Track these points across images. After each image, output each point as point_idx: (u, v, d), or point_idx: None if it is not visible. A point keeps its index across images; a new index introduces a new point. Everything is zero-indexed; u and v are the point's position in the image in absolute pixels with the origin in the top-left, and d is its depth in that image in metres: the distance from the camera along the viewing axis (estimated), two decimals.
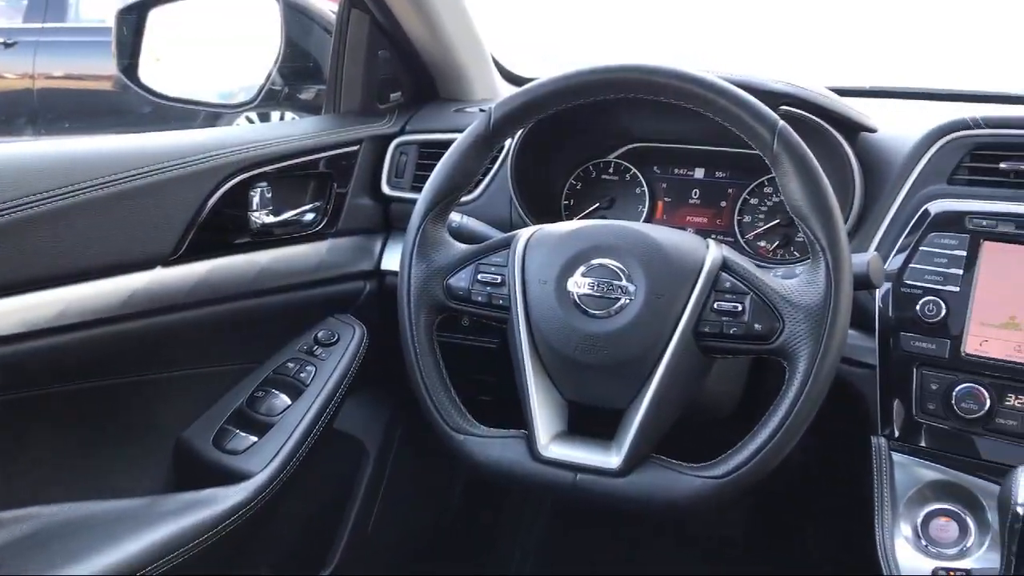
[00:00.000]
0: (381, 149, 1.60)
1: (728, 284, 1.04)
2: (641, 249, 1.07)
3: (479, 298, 1.12)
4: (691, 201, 1.53)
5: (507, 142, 1.49)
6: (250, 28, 1.73)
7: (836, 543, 1.67)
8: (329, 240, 1.51)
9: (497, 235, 1.21)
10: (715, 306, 1.03)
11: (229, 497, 1.25)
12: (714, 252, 1.07)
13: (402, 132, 1.61)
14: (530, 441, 1.07)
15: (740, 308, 1.02)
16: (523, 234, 1.15)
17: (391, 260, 1.56)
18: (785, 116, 1.27)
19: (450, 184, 1.14)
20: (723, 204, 1.50)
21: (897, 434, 1.21)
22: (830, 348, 0.97)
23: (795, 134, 1.01)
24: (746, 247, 1.47)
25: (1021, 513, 0.94)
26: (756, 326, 1.01)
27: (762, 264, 1.34)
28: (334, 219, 1.52)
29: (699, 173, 1.53)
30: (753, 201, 1.48)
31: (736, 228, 1.48)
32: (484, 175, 1.51)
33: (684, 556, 1.86)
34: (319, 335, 1.46)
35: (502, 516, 1.98)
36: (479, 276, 1.13)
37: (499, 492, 1.94)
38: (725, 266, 1.05)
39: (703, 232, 1.49)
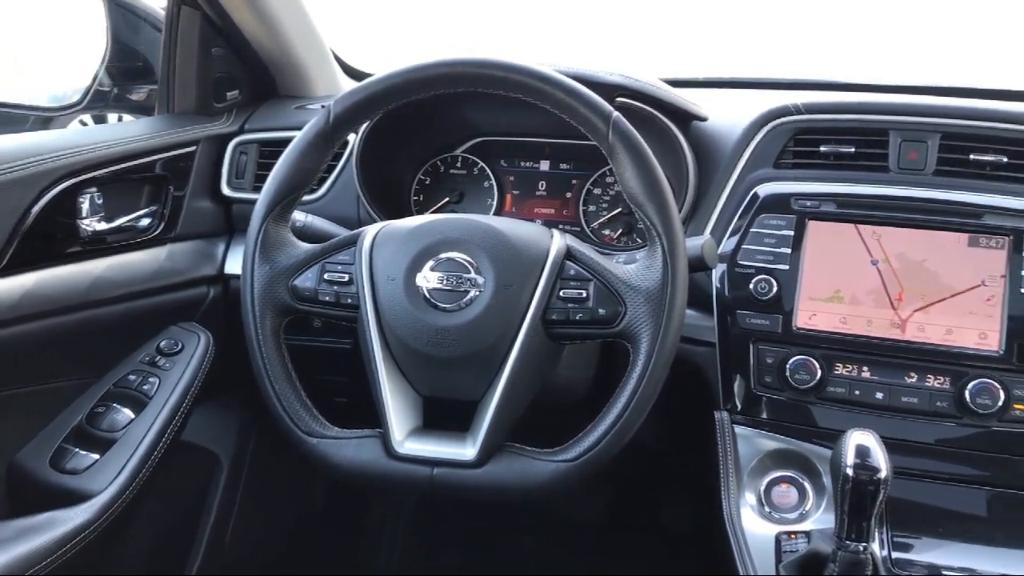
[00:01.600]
0: (219, 149, 1.55)
1: (573, 272, 1.06)
2: (488, 241, 1.08)
3: (326, 298, 1.10)
4: (538, 193, 1.55)
5: (351, 138, 1.47)
6: (74, 24, 1.64)
7: (690, 517, 1.74)
8: (168, 246, 1.45)
9: (344, 233, 1.19)
10: (561, 294, 1.05)
11: (70, 520, 1.18)
12: (558, 241, 1.08)
13: (241, 131, 1.57)
14: (385, 439, 1.06)
15: (585, 295, 1.04)
16: (369, 231, 1.14)
17: (235, 264, 1.52)
18: (620, 107, 1.31)
19: (290, 183, 1.11)
20: (568, 195, 1.53)
21: (739, 407, 1.27)
22: (670, 328, 1.01)
23: (629, 124, 1.04)
24: (592, 236, 1.50)
25: (850, 475, 0.99)
26: (600, 311, 1.03)
27: (606, 251, 1.37)
28: (172, 224, 1.46)
29: (545, 165, 1.56)
30: (596, 191, 1.51)
31: (582, 218, 1.52)
32: (328, 172, 1.49)
33: (548, 541, 1.89)
34: (162, 345, 1.40)
35: (367, 514, 1.95)
36: (325, 275, 1.11)
37: (362, 491, 1.92)
38: (569, 255, 1.07)
39: (551, 223, 1.52)
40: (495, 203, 1.55)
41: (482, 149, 1.57)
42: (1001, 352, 1.16)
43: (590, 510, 1.95)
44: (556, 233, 1.11)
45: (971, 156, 1.23)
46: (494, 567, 1.85)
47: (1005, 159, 1.22)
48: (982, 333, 1.17)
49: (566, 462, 1.02)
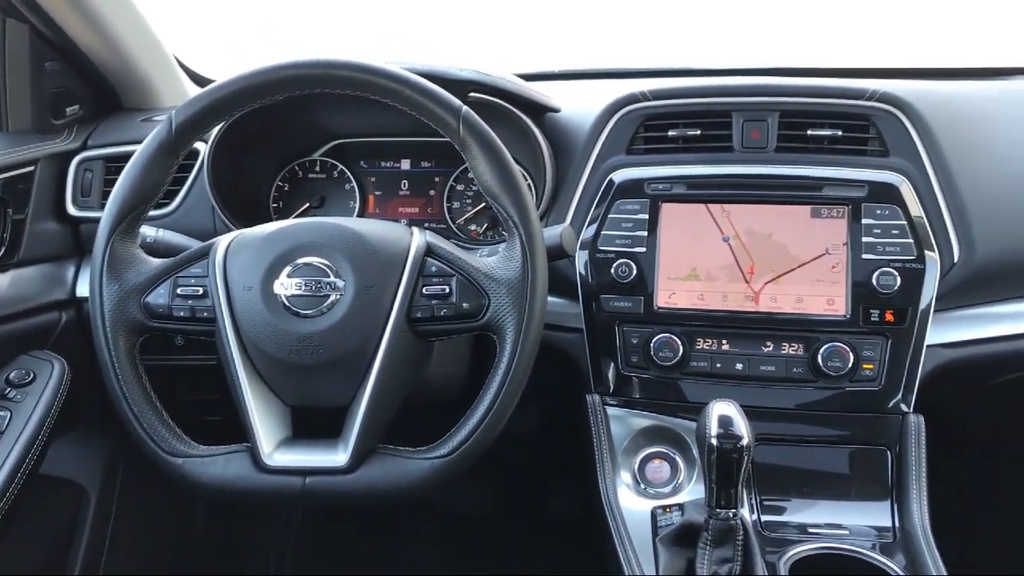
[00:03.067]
0: (62, 168, 1.48)
1: (434, 268, 1.06)
2: (346, 243, 1.06)
3: (181, 313, 1.07)
4: (401, 193, 1.54)
5: (201, 147, 1.43)
6: None
7: (576, 501, 1.77)
8: (11, 272, 1.38)
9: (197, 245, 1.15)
10: (424, 291, 1.05)
11: None
12: (418, 239, 1.08)
13: (84, 147, 1.50)
14: (253, 453, 1.03)
15: (448, 290, 1.04)
16: (222, 240, 1.10)
17: (86, 286, 1.45)
18: (474, 103, 1.32)
19: (135, 198, 1.07)
20: (432, 193, 1.53)
21: (610, 389, 1.30)
22: (533, 317, 1.02)
23: (479, 118, 1.05)
24: (458, 232, 1.50)
25: (715, 444, 1.03)
26: (464, 305, 1.04)
27: (470, 246, 1.38)
28: (13, 248, 1.38)
29: (406, 164, 1.55)
30: (460, 187, 1.52)
31: (447, 214, 1.52)
32: (180, 184, 1.44)
33: (440, 537, 1.89)
34: (11, 376, 1.32)
35: (253, 527, 1.91)
36: (179, 290, 1.07)
37: (244, 504, 1.87)
38: (430, 251, 1.07)
39: (416, 221, 1.52)
40: (357, 205, 1.53)
41: (341, 152, 1.55)
42: (848, 316, 1.22)
43: (481, 503, 1.96)
44: (416, 230, 1.10)
45: (808, 132, 1.29)
46: (386, 565, 1.83)
47: (840, 133, 1.29)
48: (829, 299, 1.23)
49: (440, 458, 1.02)
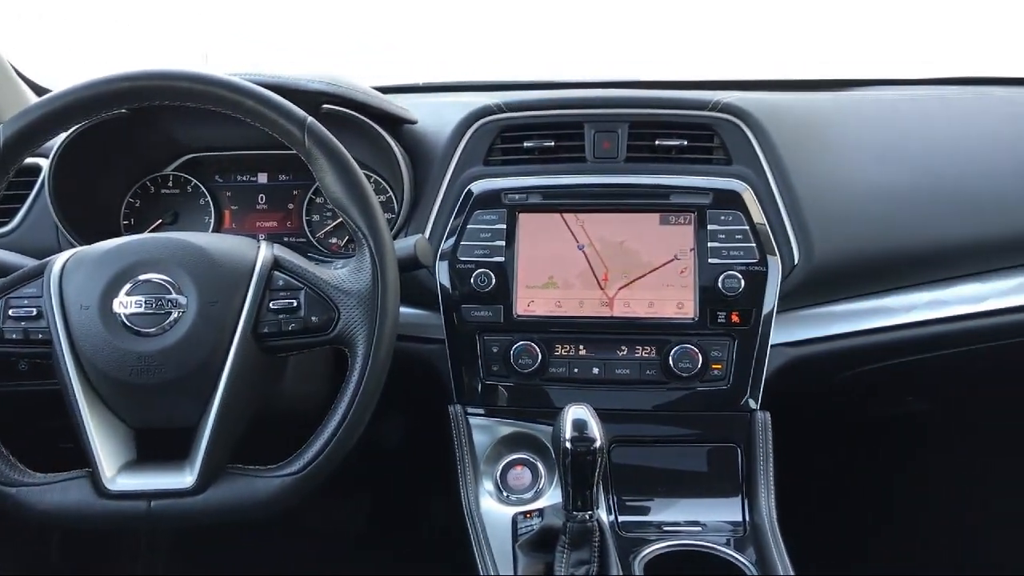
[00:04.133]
0: None
1: (281, 282, 1.04)
2: (187, 259, 1.04)
3: (13, 336, 1.02)
4: (258, 207, 1.51)
5: (43, 162, 1.37)
6: None
7: (446, 513, 1.76)
8: None
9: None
10: (271, 305, 1.03)
11: None
12: (265, 252, 1.06)
13: None
14: (94, 478, 0.99)
15: (296, 303, 1.03)
16: (59, 258, 1.06)
17: None
18: (327, 114, 1.31)
19: None
20: (290, 206, 1.51)
21: (471, 398, 1.30)
22: (384, 329, 1.02)
23: (324, 129, 1.04)
24: (318, 246, 1.49)
25: (569, 448, 1.05)
26: (313, 318, 1.03)
27: (327, 259, 1.37)
28: None
29: (263, 178, 1.52)
30: (319, 200, 1.50)
31: (306, 228, 1.50)
32: (21, 202, 1.38)
33: (309, 557, 1.85)
34: None
35: (113, 556, 1.82)
36: (10, 311, 1.02)
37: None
38: (277, 264, 1.05)
39: (275, 236, 1.49)
40: (212, 221, 1.50)
41: (194, 166, 1.51)
42: (696, 319, 1.26)
43: (354, 521, 1.93)
44: (263, 244, 1.09)
45: (657, 142, 1.33)
46: None
47: (686, 142, 1.33)
48: (679, 303, 1.27)
49: (291, 475, 1.00)
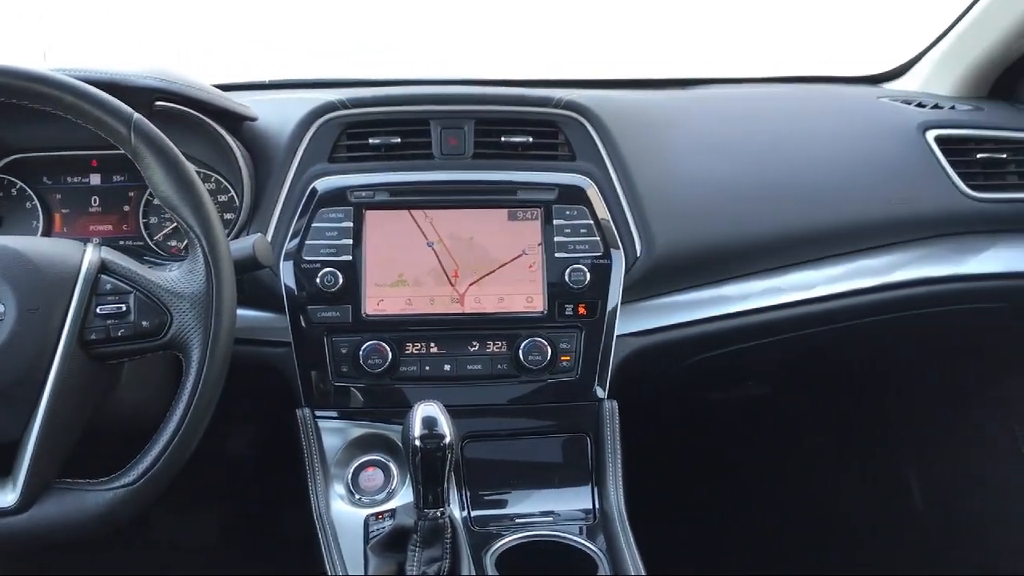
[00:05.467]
0: None
1: (109, 286, 0.99)
2: (4, 264, 0.97)
3: None
4: (92, 209, 1.44)
5: None
6: None
7: (302, 520, 1.72)
8: None
9: None
10: (99, 310, 0.98)
11: None
12: (91, 255, 1.01)
13: None
14: None
15: (125, 308, 0.98)
16: None
17: None
18: (160, 112, 1.26)
19: None
20: (126, 208, 1.44)
21: (321, 401, 1.27)
22: (220, 332, 0.98)
23: (152, 126, 1.00)
24: (157, 249, 1.42)
25: (418, 445, 1.04)
26: (144, 323, 0.98)
27: (162, 262, 1.31)
28: None
29: (96, 179, 1.44)
30: (156, 202, 1.43)
31: (143, 231, 1.43)
32: None
33: (156, 571, 1.77)
34: None
35: None
36: None
37: None
38: (104, 268, 1.00)
39: (111, 240, 1.42)
40: (41, 225, 1.41)
41: (19, 167, 1.42)
42: (545, 312, 1.28)
43: (207, 534, 1.86)
44: (89, 247, 1.03)
45: (503, 138, 1.34)
46: None
47: (531, 139, 1.35)
48: (528, 297, 1.29)
49: (124, 487, 0.96)
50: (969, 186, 1.47)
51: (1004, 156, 1.51)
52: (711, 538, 1.83)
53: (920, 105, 1.59)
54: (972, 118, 1.56)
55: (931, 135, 1.50)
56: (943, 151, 1.48)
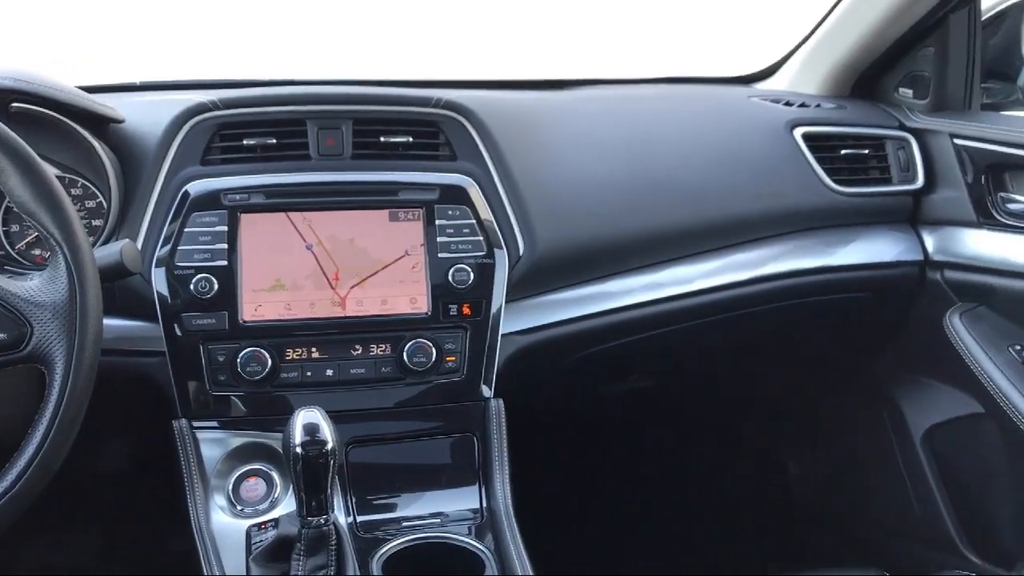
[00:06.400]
0: None
1: None
2: None
3: None
4: None
5: None
6: None
7: (183, 535, 1.67)
8: None
9: None
10: None
11: None
12: None
13: None
14: None
15: None
16: None
17: None
18: (17, 113, 1.20)
19: None
20: None
21: (199, 411, 1.24)
22: (86, 343, 0.94)
23: (5, 128, 0.95)
24: (19, 258, 1.35)
25: (300, 453, 1.02)
26: (1, 336, 0.93)
27: (20, 271, 1.25)
28: None
29: None
30: (16, 209, 1.36)
31: (4, 239, 1.35)
32: None
33: None
34: None
35: None
36: None
37: None
38: None
39: None
40: None
41: None
42: (429, 313, 1.27)
43: (84, 555, 1.78)
44: None
45: (382, 138, 1.33)
46: None
47: (411, 139, 1.34)
48: (412, 298, 1.28)
49: None
50: (834, 181, 1.53)
51: (866, 152, 1.59)
52: (598, 533, 1.85)
53: (788, 104, 1.66)
54: (836, 116, 1.63)
55: (798, 133, 1.56)
56: (810, 148, 1.54)
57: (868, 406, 1.81)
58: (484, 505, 1.25)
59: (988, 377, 1.43)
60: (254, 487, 1.22)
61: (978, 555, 1.64)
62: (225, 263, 1.23)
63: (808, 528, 1.96)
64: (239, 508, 1.20)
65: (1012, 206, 1.48)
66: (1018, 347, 1.45)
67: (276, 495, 1.21)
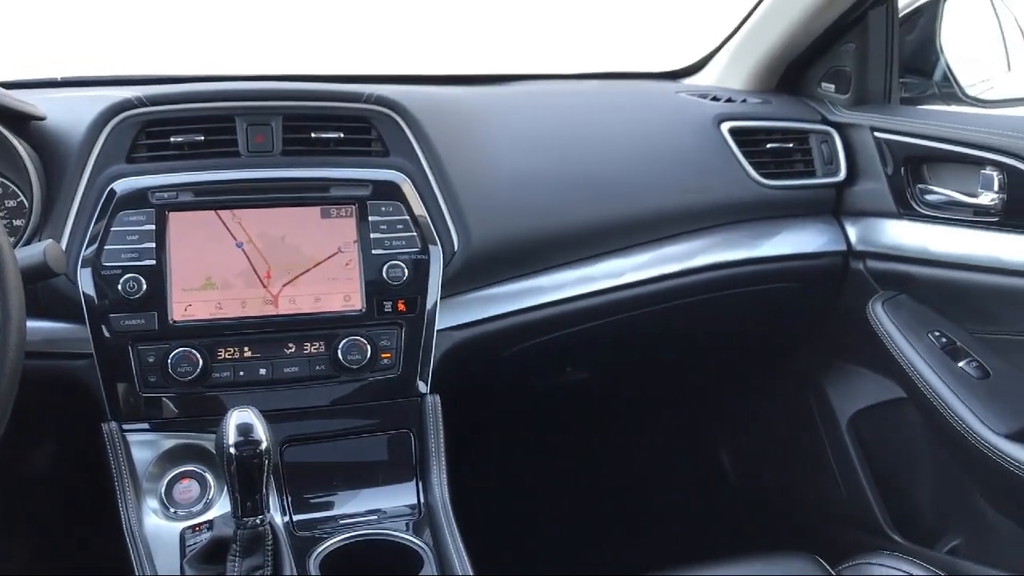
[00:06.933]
0: None
1: None
2: None
3: None
4: None
5: None
6: None
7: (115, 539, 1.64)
8: None
9: None
10: None
11: None
12: None
13: None
14: None
15: None
16: None
17: None
18: None
19: None
20: None
21: (129, 414, 1.21)
22: (7, 347, 0.91)
23: None
24: None
25: (234, 453, 1.01)
26: None
27: None
28: None
29: None
30: None
31: None
32: None
33: None
34: None
35: None
36: None
37: None
38: None
39: None
40: None
41: None
42: (364, 310, 1.27)
43: (10, 564, 1.73)
44: None
45: (312, 134, 1.32)
46: None
47: (342, 135, 1.33)
48: (346, 296, 1.27)
49: None
50: (760, 174, 1.57)
51: (790, 145, 1.63)
52: (535, 524, 1.87)
53: (715, 99, 1.69)
54: (762, 110, 1.67)
55: (725, 127, 1.59)
56: (736, 142, 1.58)
57: (796, 393, 1.86)
58: (421, 501, 1.25)
59: (909, 363, 1.48)
60: (187, 489, 1.20)
61: (902, 535, 1.70)
62: (153, 262, 1.21)
63: (742, 514, 2.01)
64: (172, 510, 1.19)
65: (930, 197, 1.53)
66: (937, 333, 1.50)
67: (210, 496, 1.20)
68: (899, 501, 1.72)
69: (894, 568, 1.21)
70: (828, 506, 1.83)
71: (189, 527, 1.16)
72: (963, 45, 1.70)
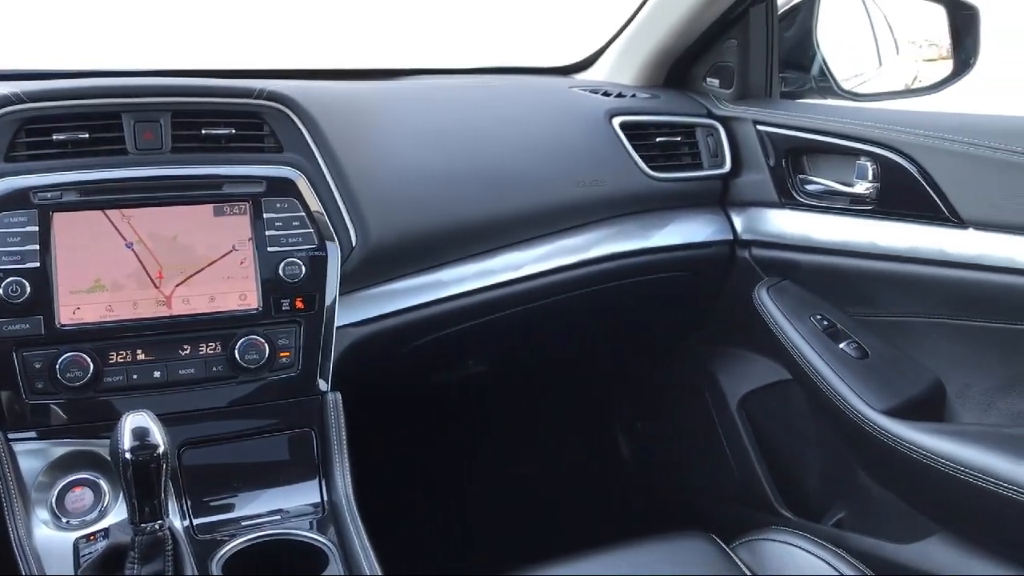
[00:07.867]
0: None
1: None
2: None
3: None
4: None
5: None
6: None
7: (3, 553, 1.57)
8: None
9: None
10: None
11: None
12: None
13: None
14: None
15: None
16: None
17: None
18: None
19: None
20: None
21: (14, 422, 1.17)
22: None
23: None
24: None
25: (130, 458, 0.99)
26: None
27: None
28: None
29: None
30: None
31: None
32: None
33: None
34: None
35: None
36: None
37: None
38: None
39: None
40: None
41: None
42: (260, 309, 1.25)
43: None
44: None
45: (203, 131, 1.29)
46: None
47: (234, 131, 1.31)
48: (242, 294, 1.25)
49: None
50: (650, 167, 1.62)
51: (678, 139, 1.68)
52: (440, 518, 1.88)
53: (607, 94, 1.73)
54: (650, 105, 1.72)
55: (616, 122, 1.63)
56: (627, 136, 1.62)
57: (689, 378, 1.92)
58: (325, 499, 1.25)
59: (793, 345, 1.55)
60: (80, 497, 1.16)
61: (792, 511, 1.78)
62: (37, 265, 1.17)
63: (640, 498, 2.07)
64: (64, 520, 1.15)
65: (810, 187, 1.61)
66: (818, 316, 1.58)
67: (105, 504, 1.17)
68: (788, 479, 1.80)
69: (784, 542, 1.27)
70: (722, 487, 1.90)
71: (83, 536, 1.13)
72: (838, 42, 1.79)
